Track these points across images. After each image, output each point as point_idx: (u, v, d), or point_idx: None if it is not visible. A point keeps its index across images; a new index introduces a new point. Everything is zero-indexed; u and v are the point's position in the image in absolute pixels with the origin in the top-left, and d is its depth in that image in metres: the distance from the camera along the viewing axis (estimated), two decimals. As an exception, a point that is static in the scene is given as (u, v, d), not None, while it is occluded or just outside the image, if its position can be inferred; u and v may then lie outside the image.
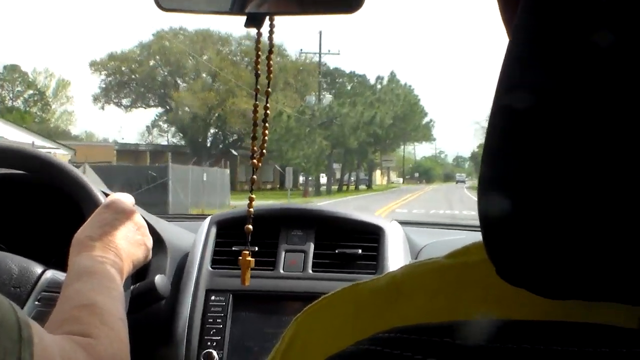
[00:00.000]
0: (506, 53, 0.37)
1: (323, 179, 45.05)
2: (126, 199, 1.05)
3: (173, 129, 46.46)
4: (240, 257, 1.04)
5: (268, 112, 0.94)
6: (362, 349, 0.38)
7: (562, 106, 0.33)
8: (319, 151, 36.77)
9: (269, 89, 0.93)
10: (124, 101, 47.17)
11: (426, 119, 52.25)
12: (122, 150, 40.21)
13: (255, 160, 0.95)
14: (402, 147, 63.14)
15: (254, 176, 0.97)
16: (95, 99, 47.55)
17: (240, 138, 42.44)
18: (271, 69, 0.88)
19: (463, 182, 75.46)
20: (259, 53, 0.85)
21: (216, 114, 40.52)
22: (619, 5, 0.32)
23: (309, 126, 37.85)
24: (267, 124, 0.94)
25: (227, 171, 22.60)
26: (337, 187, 44.67)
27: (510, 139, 0.35)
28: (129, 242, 1.00)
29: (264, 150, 0.96)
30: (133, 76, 45.77)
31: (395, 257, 1.43)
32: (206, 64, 42.85)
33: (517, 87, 0.36)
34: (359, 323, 0.47)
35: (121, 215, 1.01)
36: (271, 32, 0.84)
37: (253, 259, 1.05)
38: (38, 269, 1.05)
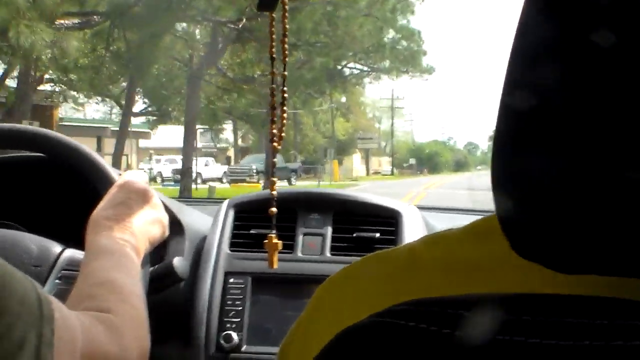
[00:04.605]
0: (511, 52, 0.38)
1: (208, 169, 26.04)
2: (139, 177, 1.06)
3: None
4: (266, 240, 1.05)
5: (286, 95, 0.96)
6: (376, 321, 0.39)
7: (564, 105, 0.34)
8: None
9: (285, 72, 0.93)
10: None
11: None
12: None
13: (275, 144, 0.97)
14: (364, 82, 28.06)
15: (275, 159, 0.99)
16: None
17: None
18: (286, 52, 0.89)
19: None
20: (273, 37, 0.85)
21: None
22: (622, 5, 0.32)
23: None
24: (285, 107, 0.96)
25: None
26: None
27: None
28: (144, 219, 1.01)
29: (283, 134, 0.98)
30: None
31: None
32: None
33: (520, 87, 0.36)
34: (379, 292, 0.48)
35: (134, 193, 1.02)
36: (284, 15, 0.84)
37: (280, 242, 1.06)
38: (57, 248, 1.07)
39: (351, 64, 24.11)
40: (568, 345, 0.32)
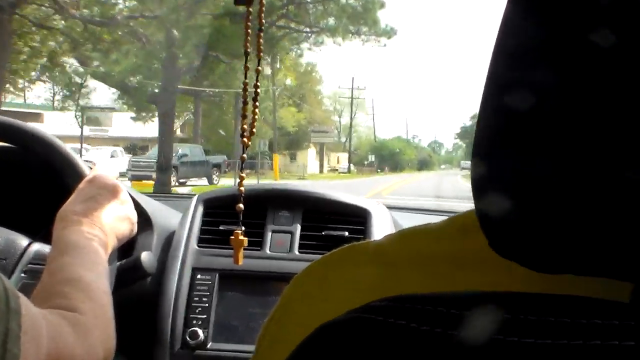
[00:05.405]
0: (494, 50, 0.38)
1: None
2: (109, 173, 1.06)
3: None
4: (233, 237, 1.05)
5: (259, 90, 0.95)
6: (355, 317, 0.38)
7: (557, 103, 0.34)
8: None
9: (259, 67, 0.93)
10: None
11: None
12: None
13: (245, 139, 0.96)
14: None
15: (244, 155, 0.98)
16: None
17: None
18: (261, 47, 0.89)
19: None
20: (249, 31, 0.85)
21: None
22: (614, 5, 0.32)
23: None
24: (257, 103, 0.95)
25: None
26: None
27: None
28: (113, 216, 1.00)
29: (254, 129, 0.98)
30: None
31: (382, 240, 1.43)
32: None
33: (509, 85, 0.36)
34: (354, 288, 0.47)
35: (104, 189, 1.01)
36: (261, 10, 0.84)
37: (246, 238, 1.05)
38: (24, 241, 1.05)
39: (282, 24, 16.87)
40: (546, 344, 0.33)
